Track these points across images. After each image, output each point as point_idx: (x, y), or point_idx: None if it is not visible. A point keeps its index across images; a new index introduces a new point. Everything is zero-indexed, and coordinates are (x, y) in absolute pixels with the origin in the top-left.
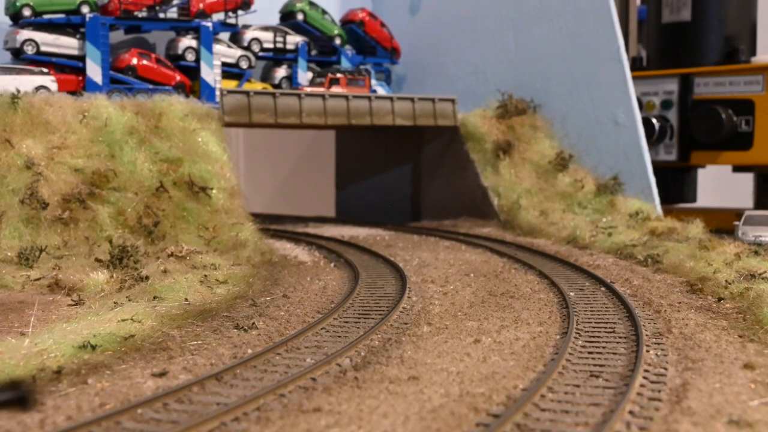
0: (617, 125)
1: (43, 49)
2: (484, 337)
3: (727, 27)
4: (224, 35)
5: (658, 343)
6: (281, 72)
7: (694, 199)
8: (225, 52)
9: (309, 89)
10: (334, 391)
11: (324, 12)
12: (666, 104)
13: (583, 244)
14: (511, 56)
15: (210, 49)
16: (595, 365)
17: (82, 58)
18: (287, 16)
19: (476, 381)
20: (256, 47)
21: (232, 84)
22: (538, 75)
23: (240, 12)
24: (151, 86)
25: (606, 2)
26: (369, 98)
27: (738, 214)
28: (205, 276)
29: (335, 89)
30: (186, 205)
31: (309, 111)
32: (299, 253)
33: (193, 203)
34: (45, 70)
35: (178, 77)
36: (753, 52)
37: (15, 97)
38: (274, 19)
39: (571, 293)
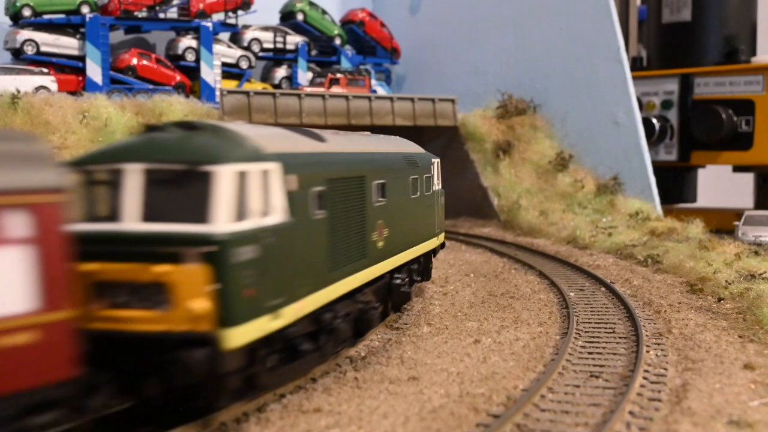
0: (617, 125)
1: (43, 49)
2: (484, 337)
3: (727, 27)
4: (224, 35)
5: (658, 344)
6: (281, 72)
7: (694, 199)
8: (225, 52)
9: (309, 89)
10: (334, 391)
11: (324, 12)
12: (666, 104)
13: (583, 244)
14: (511, 56)
15: (210, 49)
16: (595, 366)
17: (82, 58)
18: (287, 16)
19: (476, 381)
20: (256, 47)
21: (232, 84)
22: (538, 75)
23: (240, 12)
24: (151, 86)
25: (606, 2)
26: (369, 98)
27: (738, 214)
28: None
29: (335, 89)
30: None
31: (309, 111)
32: None
33: None
34: (45, 70)
35: (178, 77)
36: (753, 52)
37: (15, 98)
38: (274, 19)
39: (571, 293)
